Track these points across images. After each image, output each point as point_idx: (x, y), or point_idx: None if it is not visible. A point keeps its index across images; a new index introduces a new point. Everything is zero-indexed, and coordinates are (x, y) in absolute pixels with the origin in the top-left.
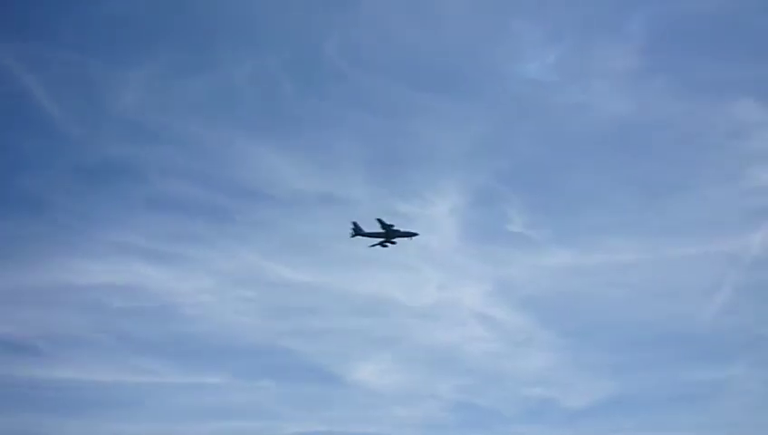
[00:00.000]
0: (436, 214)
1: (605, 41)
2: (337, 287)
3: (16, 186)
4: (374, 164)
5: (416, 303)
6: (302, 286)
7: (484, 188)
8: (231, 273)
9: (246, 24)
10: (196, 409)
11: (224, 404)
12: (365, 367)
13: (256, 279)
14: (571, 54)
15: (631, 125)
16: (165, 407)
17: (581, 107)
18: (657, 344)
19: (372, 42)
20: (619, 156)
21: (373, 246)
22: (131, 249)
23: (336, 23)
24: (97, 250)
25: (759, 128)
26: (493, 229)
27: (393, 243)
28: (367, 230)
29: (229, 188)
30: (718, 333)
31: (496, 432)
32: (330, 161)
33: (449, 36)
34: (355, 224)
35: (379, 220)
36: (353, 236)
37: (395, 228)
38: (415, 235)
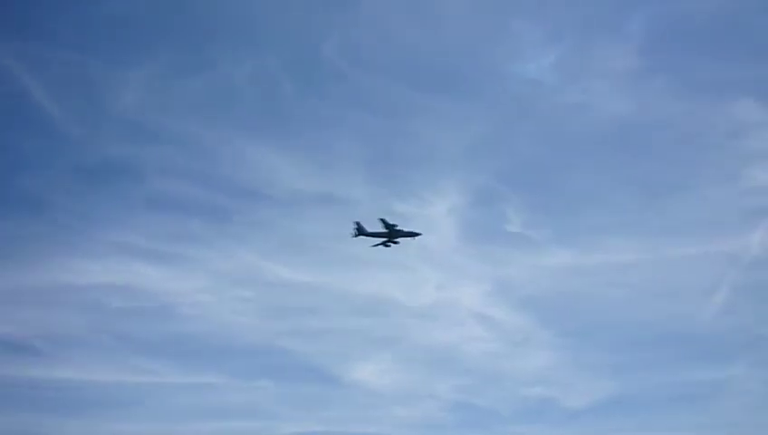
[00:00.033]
0: (435, 214)
1: (605, 41)
2: (335, 287)
3: (16, 186)
4: (373, 164)
5: (414, 303)
6: (300, 286)
7: (484, 188)
8: (230, 273)
9: (246, 24)
10: (195, 408)
11: (222, 404)
12: (364, 367)
13: (255, 279)
14: (571, 54)
15: (631, 125)
16: (163, 407)
17: (581, 107)
18: (657, 344)
19: (372, 42)
20: (618, 156)
21: (376, 245)
22: (130, 249)
23: (335, 23)
24: (96, 250)
25: (758, 128)
26: (492, 229)
27: (396, 243)
28: (370, 230)
29: (228, 188)
30: (718, 333)
31: (495, 432)
32: (329, 161)
33: (449, 36)
34: (358, 224)
35: (383, 220)
36: (356, 235)
37: (398, 228)
38: (418, 235)
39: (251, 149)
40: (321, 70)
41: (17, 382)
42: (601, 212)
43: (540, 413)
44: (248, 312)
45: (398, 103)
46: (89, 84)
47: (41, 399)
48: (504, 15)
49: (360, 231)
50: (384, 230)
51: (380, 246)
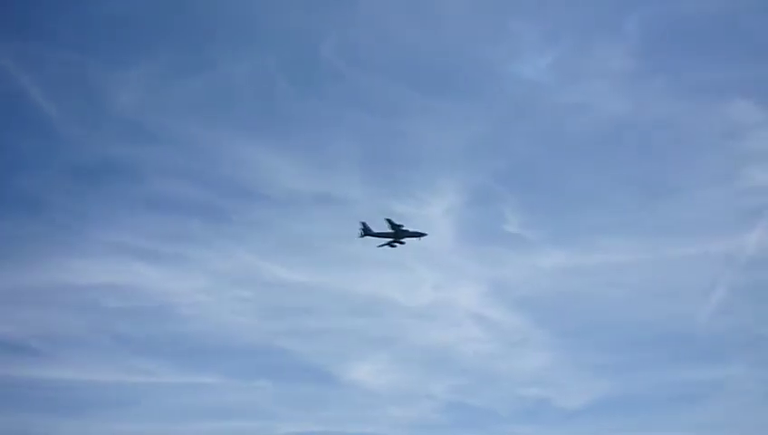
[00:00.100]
0: (433, 214)
1: (602, 41)
2: (333, 287)
3: (14, 186)
4: (371, 164)
5: (412, 303)
6: (298, 286)
7: (481, 189)
8: (227, 273)
9: (244, 23)
10: (193, 409)
11: (220, 404)
12: (361, 367)
13: (253, 279)
14: (569, 55)
15: (628, 125)
16: (161, 407)
17: (579, 107)
18: (654, 344)
19: (370, 42)
20: (616, 156)
21: (382, 246)
22: (129, 249)
23: (333, 23)
24: (94, 250)
25: (755, 128)
26: (489, 230)
27: (402, 243)
28: (376, 230)
29: (226, 188)
30: (715, 333)
31: (492, 432)
32: (326, 161)
33: (447, 36)
34: (364, 224)
35: (388, 220)
36: (362, 236)
37: (404, 229)
38: (424, 235)
39: (249, 149)
40: (319, 70)
41: (15, 382)
42: (599, 212)
43: (537, 413)
44: (246, 312)
45: (397, 103)
46: (87, 84)
47: (38, 399)
48: (503, 16)
49: (366, 231)
50: (390, 230)
51: (386, 247)
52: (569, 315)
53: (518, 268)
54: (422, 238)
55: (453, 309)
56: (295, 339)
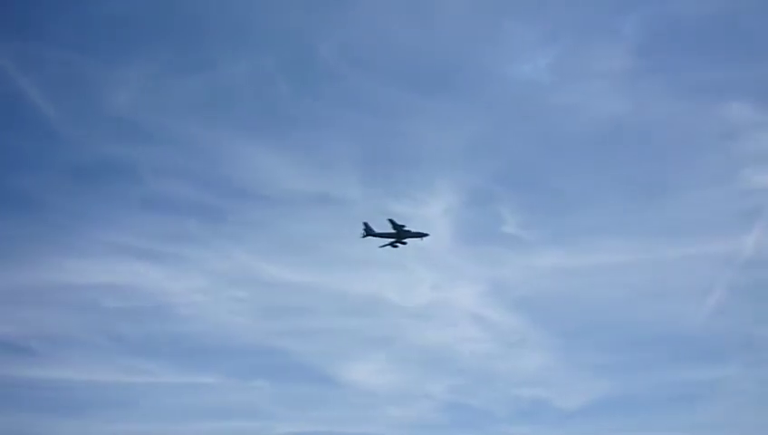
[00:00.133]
0: (430, 214)
1: (600, 42)
2: (331, 287)
3: (11, 185)
4: (368, 164)
5: (409, 303)
6: (295, 286)
7: (479, 189)
8: (225, 273)
9: (242, 24)
10: (191, 409)
11: (218, 404)
12: (359, 367)
13: (250, 279)
14: (566, 55)
15: (625, 126)
16: (159, 407)
17: (576, 108)
18: (651, 345)
19: (367, 42)
20: (613, 157)
21: (384, 246)
22: (126, 249)
23: (331, 23)
24: (92, 250)
25: (752, 129)
26: (486, 230)
27: (404, 243)
28: (378, 230)
29: (223, 188)
30: (712, 334)
31: (489, 432)
32: (324, 161)
33: (444, 37)
34: (366, 224)
35: (391, 220)
36: (364, 236)
37: (406, 229)
38: (425, 235)
39: (247, 149)
40: (317, 70)
41: (13, 382)
42: (596, 213)
43: (534, 414)
44: (244, 312)
45: (394, 104)
46: (84, 84)
47: (36, 399)
48: (501, 16)
49: (369, 231)
50: (392, 231)
51: (388, 247)
52: (567, 316)
53: (516, 269)
54: (424, 239)
55: (451, 309)
56: (293, 339)
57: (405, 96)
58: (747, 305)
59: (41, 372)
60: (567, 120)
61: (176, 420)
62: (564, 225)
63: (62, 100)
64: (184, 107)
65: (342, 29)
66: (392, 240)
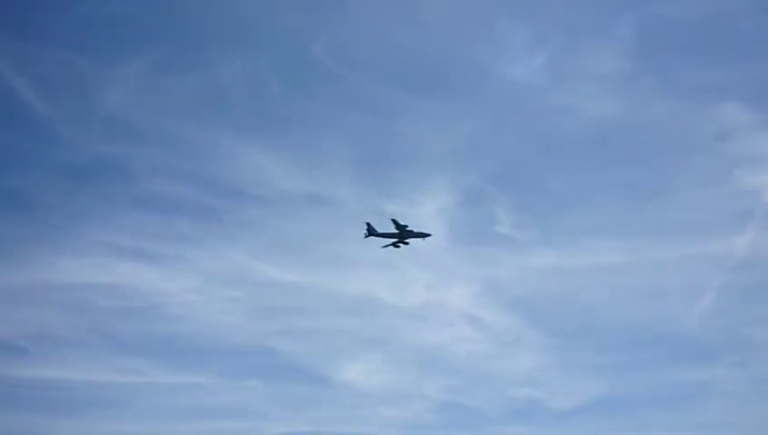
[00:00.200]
0: (424, 214)
1: (593, 43)
2: (324, 287)
3: (4, 184)
4: (362, 164)
5: (403, 303)
6: (289, 286)
7: (472, 189)
8: (218, 273)
9: (235, 23)
10: (183, 409)
11: (211, 404)
12: (352, 367)
13: (243, 279)
14: (559, 56)
15: (618, 127)
16: (152, 407)
17: (570, 108)
18: (644, 345)
19: (360, 42)
20: (606, 157)
21: (386, 246)
22: (119, 249)
23: (324, 23)
24: (85, 249)
25: (745, 131)
26: (480, 230)
27: (406, 243)
28: (380, 230)
29: (217, 188)
30: (704, 335)
31: (483, 433)
32: (317, 161)
33: (438, 37)
34: (368, 224)
35: (394, 221)
36: (367, 236)
37: (408, 229)
38: (428, 235)
39: (240, 149)
40: (309, 70)
41: (5, 382)
42: (589, 213)
43: (528, 414)
44: (237, 312)
45: (387, 104)
46: (78, 83)
47: (29, 398)
48: (494, 16)
49: (371, 231)
50: (395, 231)
51: (390, 247)
52: (561, 316)
53: (510, 269)
54: (426, 239)
55: (445, 309)
56: (287, 339)
57: (398, 96)
58: (740, 306)
59: (34, 371)
60: (561, 120)
61: (169, 419)
62: (558, 225)
63: (56, 99)
64: (178, 107)
65: (336, 29)
66: (394, 240)
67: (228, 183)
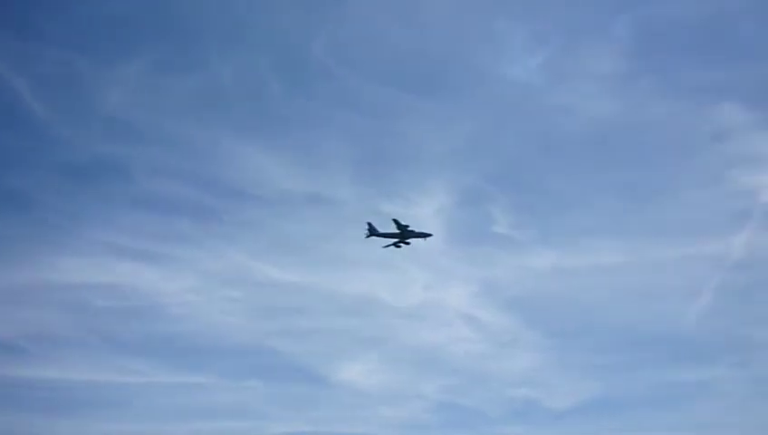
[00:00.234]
0: (423, 214)
1: (591, 43)
2: (324, 287)
3: (3, 185)
4: (361, 164)
5: (402, 303)
6: (288, 286)
7: (470, 189)
8: (218, 273)
9: (234, 23)
10: (183, 409)
11: (210, 404)
12: (351, 367)
13: (243, 279)
14: (558, 56)
15: (616, 127)
16: (152, 407)
17: (568, 108)
18: (642, 345)
19: (359, 42)
20: (604, 158)
21: (387, 246)
22: (118, 249)
23: (323, 23)
24: (84, 249)
25: (742, 131)
26: (478, 230)
27: (407, 243)
28: (382, 230)
29: (216, 188)
30: (702, 335)
31: (481, 433)
32: (317, 161)
33: (436, 37)
34: (370, 224)
35: (395, 221)
36: (368, 236)
37: (410, 229)
38: (429, 235)
39: (239, 149)
40: (308, 70)
41: (4, 382)
42: (587, 213)
43: (526, 414)
44: (236, 312)
45: (386, 104)
46: (76, 83)
47: (27, 399)
48: (492, 16)
49: (372, 231)
50: (396, 231)
51: (392, 247)
52: (558, 316)
53: (507, 269)
54: (427, 239)
55: (443, 309)
56: (286, 339)
57: (397, 96)
58: (738, 306)
59: (33, 371)
60: (559, 120)
61: (168, 419)
62: (555, 225)
63: (54, 99)
64: (177, 107)
65: (335, 29)
66: (396, 240)
67: (228, 183)
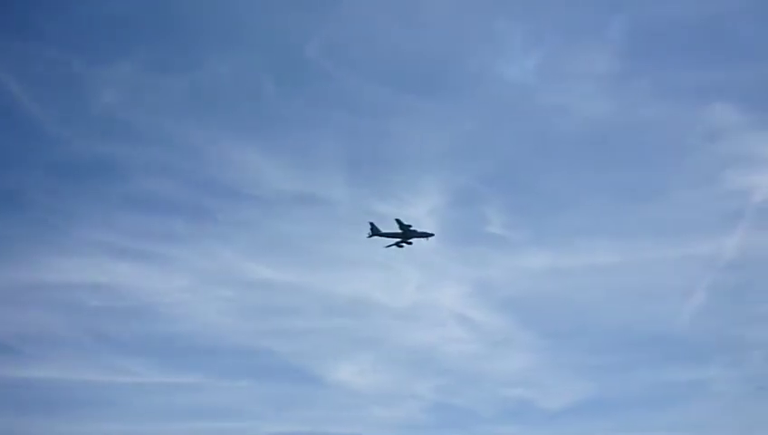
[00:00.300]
0: (417, 214)
1: (586, 44)
2: (317, 288)
3: None
4: (355, 164)
5: (395, 303)
6: (282, 286)
7: (464, 189)
8: (212, 272)
9: (229, 23)
10: (176, 409)
11: (203, 404)
12: (345, 367)
13: (237, 279)
14: (553, 57)
15: (611, 127)
16: (145, 407)
17: (562, 109)
18: (636, 345)
19: (355, 42)
20: (598, 158)
21: (389, 246)
22: (112, 248)
23: (319, 23)
24: (78, 249)
25: (735, 131)
26: (472, 230)
27: (409, 243)
28: (384, 230)
29: (210, 188)
30: (695, 335)
31: (475, 433)
32: (311, 162)
33: (432, 37)
34: (372, 224)
35: (398, 221)
36: (371, 236)
37: (412, 229)
38: (431, 235)
39: (234, 149)
40: (304, 70)
41: None
42: (581, 213)
43: (519, 414)
44: (230, 312)
45: (381, 104)
46: (71, 82)
47: (20, 399)
48: (488, 16)
49: (375, 231)
50: (399, 231)
51: (394, 247)
52: (552, 316)
53: (501, 269)
54: (429, 239)
55: (436, 310)
56: (279, 339)
57: (392, 96)
58: (731, 306)
59: (25, 371)
60: (553, 120)
61: (161, 419)
62: (549, 225)
63: (50, 98)
64: (172, 106)
65: (329, 29)
66: (398, 240)
67: (223, 183)
